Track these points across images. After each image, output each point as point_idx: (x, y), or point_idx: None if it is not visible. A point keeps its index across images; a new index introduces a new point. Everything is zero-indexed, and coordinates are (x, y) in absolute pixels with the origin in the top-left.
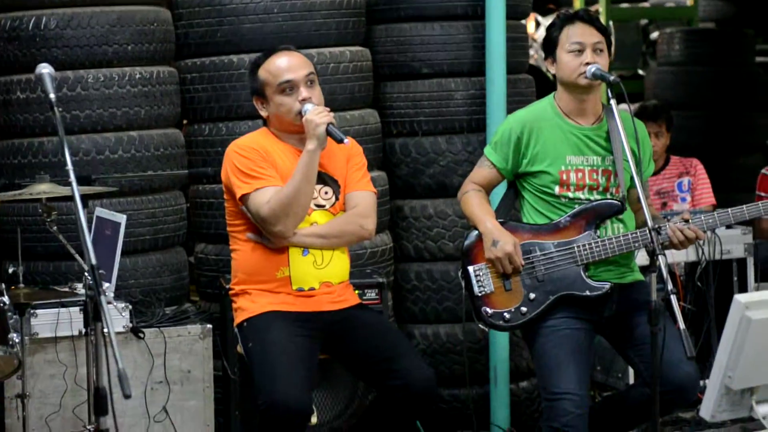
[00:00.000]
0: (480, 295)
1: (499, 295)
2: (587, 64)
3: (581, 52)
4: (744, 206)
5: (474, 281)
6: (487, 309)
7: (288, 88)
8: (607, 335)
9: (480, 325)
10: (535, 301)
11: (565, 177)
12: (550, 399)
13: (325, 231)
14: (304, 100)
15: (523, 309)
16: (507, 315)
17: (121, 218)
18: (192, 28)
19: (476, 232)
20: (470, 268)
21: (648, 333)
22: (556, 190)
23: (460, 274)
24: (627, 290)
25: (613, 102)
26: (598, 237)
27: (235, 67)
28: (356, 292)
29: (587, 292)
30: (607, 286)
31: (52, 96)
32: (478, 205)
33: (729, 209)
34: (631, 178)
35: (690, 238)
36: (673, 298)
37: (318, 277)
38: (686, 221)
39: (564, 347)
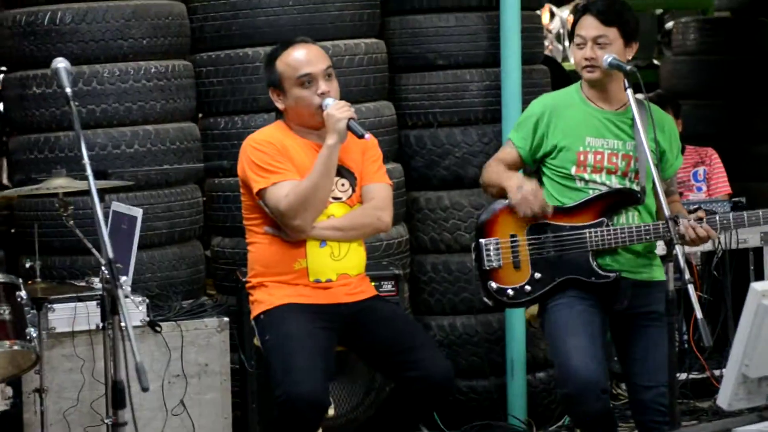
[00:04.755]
0: (488, 269)
1: (507, 271)
2: (587, 59)
3: (583, 46)
4: (760, 211)
5: (484, 254)
6: (492, 284)
7: (307, 81)
8: (613, 331)
9: (484, 299)
10: (540, 282)
11: (582, 158)
12: (562, 366)
13: (343, 224)
14: (323, 94)
15: (527, 288)
16: (510, 292)
17: (138, 212)
18: (207, 21)
19: (492, 206)
20: (482, 241)
21: (650, 346)
22: (573, 170)
23: (472, 246)
24: (643, 290)
25: (629, 91)
26: (611, 225)
27: (250, 60)
28: (373, 284)
29: (593, 279)
30: (613, 275)
31: (68, 90)
32: (498, 172)
33: (744, 213)
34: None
35: (702, 237)
36: (690, 288)
37: (335, 268)
38: (700, 219)
39: (576, 319)
